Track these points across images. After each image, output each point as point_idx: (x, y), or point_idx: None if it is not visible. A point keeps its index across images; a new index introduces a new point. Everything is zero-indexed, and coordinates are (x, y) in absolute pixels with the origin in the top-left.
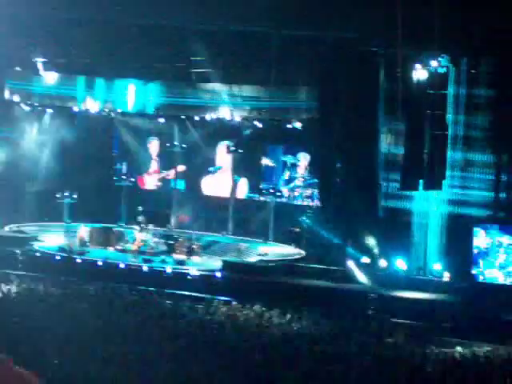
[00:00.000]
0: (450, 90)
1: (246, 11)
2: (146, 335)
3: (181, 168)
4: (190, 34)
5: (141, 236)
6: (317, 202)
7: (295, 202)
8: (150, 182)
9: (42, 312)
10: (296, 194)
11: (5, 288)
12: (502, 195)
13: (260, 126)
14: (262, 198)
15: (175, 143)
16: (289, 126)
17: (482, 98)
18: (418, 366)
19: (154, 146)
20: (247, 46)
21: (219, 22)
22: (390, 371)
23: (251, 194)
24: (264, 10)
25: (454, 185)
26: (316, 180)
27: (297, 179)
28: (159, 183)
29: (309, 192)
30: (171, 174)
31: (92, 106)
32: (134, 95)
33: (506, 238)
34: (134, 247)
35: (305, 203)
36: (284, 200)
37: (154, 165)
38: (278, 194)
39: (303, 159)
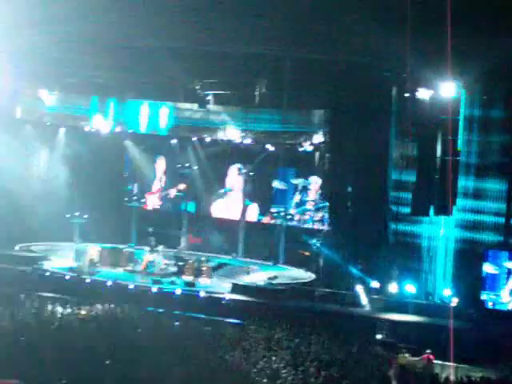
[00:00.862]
0: (463, 116)
1: (260, 34)
2: None
3: (182, 186)
4: (203, 56)
5: (150, 257)
6: (327, 226)
7: (305, 226)
8: (152, 201)
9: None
10: (306, 217)
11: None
12: None
13: (272, 148)
14: (272, 221)
15: (186, 164)
16: (301, 149)
17: (495, 123)
18: None
19: (160, 164)
20: (261, 68)
21: (233, 45)
22: None
23: (261, 216)
24: (278, 34)
25: (464, 211)
26: (327, 203)
27: (307, 202)
28: (160, 202)
29: (319, 215)
30: (172, 192)
31: (103, 126)
32: (146, 116)
33: None
34: (140, 268)
35: (315, 227)
36: (294, 223)
37: (157, 184)
38: (289, 217)
39: (314, 182)
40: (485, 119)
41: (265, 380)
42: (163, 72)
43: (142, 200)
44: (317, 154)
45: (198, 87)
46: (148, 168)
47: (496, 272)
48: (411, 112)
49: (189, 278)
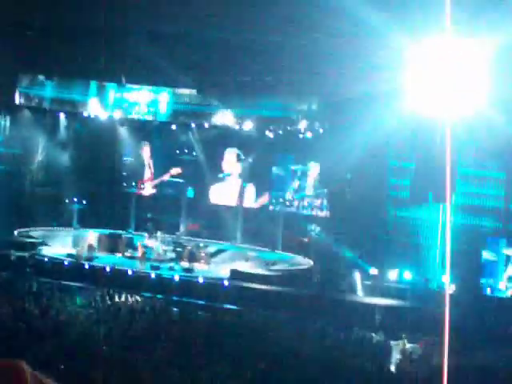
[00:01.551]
0: None
1: (257, 21)
2: None
3: (175, 171)
4: (199, 41)
5: (148, 243)
6: (326, 213)
7: (304, 212)
8: (147, 187)
9: None
10: (305, 203)
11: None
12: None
13: (271, 135)
14: (271, 207)
15: (185, 150)
16: (300, 135)
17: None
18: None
19: (146, 151)
20: (258, 55)
21: (229, 31)
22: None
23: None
24: (276, 21)
25: (463, 197)
26: (325, 190)
27: (306, 188)
28: (154, 189)
29: (318, 202)
30: (165, 177)
31: (100, 111)
32: (145, 102)
33: None
34: (138, 254)
35: (314, 213)
36: (293, 209)
37: (148, 171)
38: (287, 203)
39: (313, 168)
40: None
41: None
42: (160, 58)
43: (142, 186)
44: (316, 141)
45: (196, 73)
46: (140, 154)
47: (494, 259)
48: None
49: (187, 264)
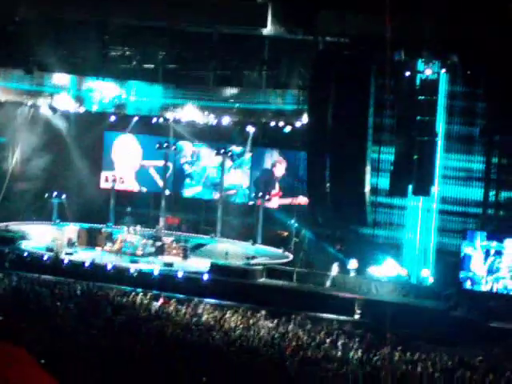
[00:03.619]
0: (441, 97)
1: (237, 15)
2: None
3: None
4: (181, 36)
5: (127, 237)
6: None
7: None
8: (127, 181)
9: None
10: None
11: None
12: (491, 202)
13: (252, 129)
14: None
15: (165, 144)
16: (281, 128)
17: (473, 104)
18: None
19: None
20: (239, 49)
21: (209, 25)
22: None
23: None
24: (256, 14)
25: (442, 190)
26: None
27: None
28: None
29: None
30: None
31: (72, 105)
32: (114, 95)
33: (494, 245)
34: (115, 247)
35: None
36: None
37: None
38: (267, 197)
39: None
40: (463, 99)
41: None
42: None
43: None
44: (295, 133)
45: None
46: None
47: (474, 252)
48: (389, 92)
49: (167, 258)
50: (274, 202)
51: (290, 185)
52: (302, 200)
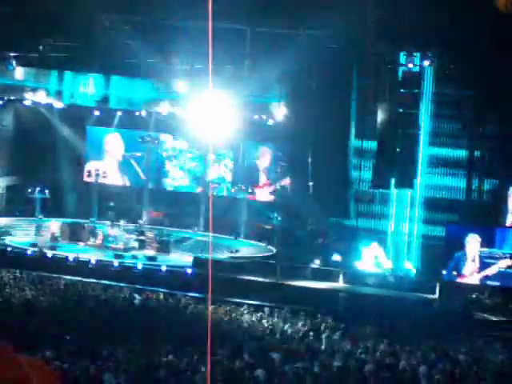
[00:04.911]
0: (424, 89)
1: (218, 7)
2: None
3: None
4: (162, 28)
5: (110, 231)
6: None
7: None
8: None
9: None
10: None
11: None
12: (474, 195)
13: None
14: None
15: (147, 138)
16: (261, 122)
17: (456, 96)
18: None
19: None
20: (220, 42)
21: (191, 18)
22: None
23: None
24: (238, 6)
25: (425, 183)
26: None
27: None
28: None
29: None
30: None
31: (51, 99)
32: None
33: (476, 238)
34: (97, 242)
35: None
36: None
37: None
38: (250, 190)
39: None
40: (445, 92)
41: None
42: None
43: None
44: (278, 126)
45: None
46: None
47: (456, 245)
48: (372, 85)
49: (150, 252)
50: (265, 194)
51: (277, 171)
52: (287, 181)
